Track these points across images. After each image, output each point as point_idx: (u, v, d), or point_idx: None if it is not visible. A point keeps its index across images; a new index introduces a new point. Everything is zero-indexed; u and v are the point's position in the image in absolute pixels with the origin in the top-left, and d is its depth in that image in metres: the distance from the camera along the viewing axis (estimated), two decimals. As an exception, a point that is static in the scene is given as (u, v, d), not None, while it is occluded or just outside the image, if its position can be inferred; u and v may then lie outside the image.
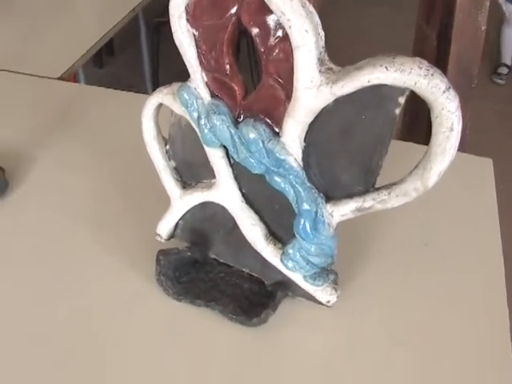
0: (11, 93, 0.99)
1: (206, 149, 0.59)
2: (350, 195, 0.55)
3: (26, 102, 0.96)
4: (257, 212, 0.61)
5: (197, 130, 0.58)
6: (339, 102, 0.51)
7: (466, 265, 0.69)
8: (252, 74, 2.16)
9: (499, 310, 0.64)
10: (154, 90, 0.61)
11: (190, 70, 0.57)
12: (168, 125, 0.62)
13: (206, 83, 0.56)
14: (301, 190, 0.55)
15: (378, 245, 0.70)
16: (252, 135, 0.55)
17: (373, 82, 0.48)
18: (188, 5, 0.54)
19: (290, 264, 0.59)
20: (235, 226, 0.62)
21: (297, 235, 0.57)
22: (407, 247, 0.70)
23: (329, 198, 0.56)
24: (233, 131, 0.56)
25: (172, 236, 0.67)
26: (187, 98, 0.57)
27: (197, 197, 0.63)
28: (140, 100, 0.63)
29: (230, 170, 0.59)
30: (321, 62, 0.50)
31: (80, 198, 0.77)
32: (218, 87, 0.56)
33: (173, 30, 0.55)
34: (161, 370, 0.58)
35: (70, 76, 1.47)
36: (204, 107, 0.57)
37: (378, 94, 0.49)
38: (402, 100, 0.50)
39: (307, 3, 0.50)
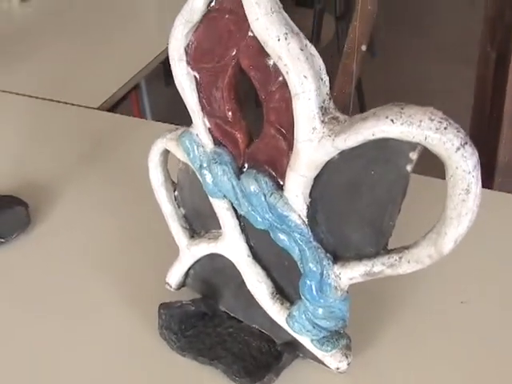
0: (47, 123, 0.97)
1: (211, 199, 0.55)
2: (360, 256, 0.50)
3: (61, 132, 0.94)
4: (265, 267, 0.56)
5: (200, 179, 0.54)
6: (344, 155, 0.46)
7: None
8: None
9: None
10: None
11: (191, 116, 0.53)
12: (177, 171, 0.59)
13: (209, 129, 0.53)
14: (306, 248, 0.50)
15: (402, 304, 0.64)
16: (253, 188, 0.50)
17: (378, 136, 0.43)
18: (188, 46, 0.50)
19: (296, 326, 0.54)
20: (244, 281, 0.58)
21: (302, 296, 0.52)
22: (438, 306, 0.64)
23: (338, 259, 0.51)
24: (235, 182, 0.52)
25: (183, 285, 0.64)
26: (188, 145, 0.54)
27: (203, 248, 0.59)
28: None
29: (236, 222, 0.55)
30: (324, 110, 0.46)
31: (101, 240, 0.74)
32: (221, 134, 0.52)
33: (173, 74, 0.52)
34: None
35: (133, 94, 1.47)
36: (206, 155, 0.53)
37: (387, 148, 0.44)
38: (413, 156, 0.44)
39: (308, 45, 0.45)
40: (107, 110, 1.03)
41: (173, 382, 0.59)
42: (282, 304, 0.56)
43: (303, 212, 0.50)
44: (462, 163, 0.42)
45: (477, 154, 0.43)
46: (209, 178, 0.53)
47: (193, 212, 0.60)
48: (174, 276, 0.63)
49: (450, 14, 3.02)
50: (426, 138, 0.42)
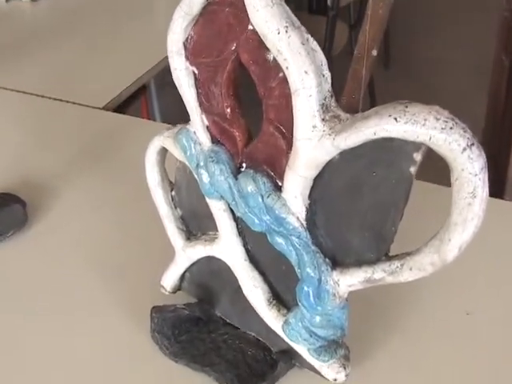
0: (51, 121, 0.96)
1: (207, 200, 0.53)
2: (359, 263, 0.47)
3: (64, 131, 0.93)
4: (262, 272, 0.54)
5: (197, 178, 0.53)
6: (345, 155, 0.44)
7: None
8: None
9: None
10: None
11: (189, 113, 0.51)
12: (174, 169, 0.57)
13: (207, 127, 0.51)
14: (303, 253, 0.48)
15: (405, 314, 0.61)
16: (250, 188, 0.48)
17: (380, 135, 0.41)
18: (187, 40, 0.49)
19: (292, 334, 0.52)
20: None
21: (299, 303, 0.50)
22: (442, 317, 0.61)
23: (337, 264, 0.48)
24: (232, 182, 0.50)
25: (179, 288, 0.62)
26: (185, 143, 0.52)
27: (199, 250, 0.57)
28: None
29: (233, 224, 0.53)
30: (325, 108, 0.44)
31: (97, 240, 0.73)
32: (219, 132, 0.50)
33: (171, 68, 0.50)
34: None
35: (142, 96, 1.45)
36: (203, 154, 0.51)
37: (389, 148, 0.42)
38: (417, 157, 0.42)
39: (310, 39, 0.43)
40: (113, 110, 1.01)
41: (165, 388, 0.57)
42: (278, 310, 0.53)
43: (302, 214, 0.48)
44: (468, 165, 0.40)
45: (484, 155, 0.41)
46: (205, 178, 0.51)
47: (190, 213, 0.58)
48: (169, 279, 0.61)
49: (465, 21, 2.99)
50: (430, 138, 0.40)
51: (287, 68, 0.43)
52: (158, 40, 1.26)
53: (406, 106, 0.40)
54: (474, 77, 2.37)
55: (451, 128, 0.39)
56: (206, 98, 0.50)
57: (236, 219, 0.53)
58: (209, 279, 0.59)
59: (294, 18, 0.44)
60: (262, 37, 0.43)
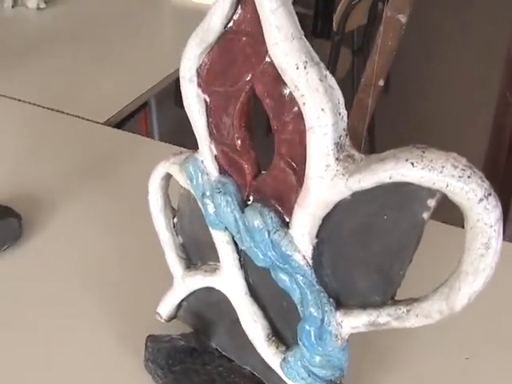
0: (50, 133, 0.95)
1: (211, 230, 0.52)
2: (364, 305, 0.46)
3: (63, 144, 0.92)
4: (262, 307, 0.53)
5: (201, 208, 0.51)
6: (358, 196, 0.43)
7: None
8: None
9: None
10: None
11: (198, 141, 0.50)
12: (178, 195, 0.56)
13: (215, 157, 0.50)
14: (307, 292, 0.47)
15: (402, 355, 0.60)
16: (257, 223, 0.47)
17: (395, 179, 0.40)
18: (200, 67, 0.48)
19: (290, 373, 0.50)
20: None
21: (299, 342, 0.49)
22: (441, 360, 0.60)
23: (340, 305, 0.47)
24: (237, 215, 0.48)
25: (174, 317, 0.60)
26: (192, 171, 0.50)
27: (198, 280, 0.55)
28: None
29: (235, 256, 0.52)
30: (339, 147, 0.43)
31: (92, 258, 0.72)
32: (228, 163, 0.49)
33: (183, 95, 0.49)
34: None
35: (142, 112, 1.44)
36: (209, 184, 0.50)
37: (403, 193, 0.41)
38: (432, 203, 0.41)
39: (328, 76, 0.42)
40: (113, 125, 1.00)
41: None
42: (277, 347, 0.52)
43: (308, 253, 0.46)
44: (484, 216, 0.39)
45: (500, 206, 0.40)
46: (211, 208, 0.50)
47: (191, 241, 0.57)
48: (166, 307, 0.59)
49: (470, 54, 3.00)
50: (447, 186, 0.39)
51: (304, 104, 0.42)
52: (163, 57, 1.28)
53: (423, 152, 0.40)
54: (474, 110, 2.38)
55: (469, 177, 0.38)
56: (217, 128, 0.49)
57: (239, 252, 0.52)
58: (206, 310, 0.58)
59: (314, 54, 0.43)
60: (279, 71, 0.42)
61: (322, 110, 0.41)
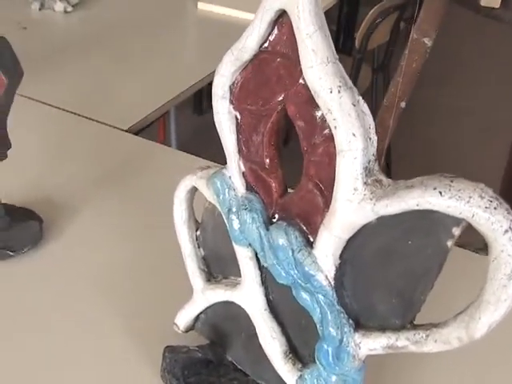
0: (73, 138, 0.96)
1: (234, 246, 0.52)
2: (383, 328, 0.47)
3: (84, 150, 0.93)
4: (280, 323, 0.53)
5: (226, 223, 0.52)
6: (383, 220, 0.43)
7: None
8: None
9: None
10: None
11: (227, 157, 0.51)
12: (202, 209, 0.57)
13: (243, 173, 0.50)
14: (328, 311, 0.48)
15: (414, 378, 0.61)
16: (281, 241, 0.48)
17: (422, 207, 0.40)
18: (233, 84, 0.48)
19: (306, 392, 0.51)
20: (257, 334, 0.55)
21: (317, 361, 0.49)
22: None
23: (359, 327, 0.48)
24: (263, 232, 0.49)
25: (191, 328, 0.61)
26: (219, 187, 0.51)
27: (219, 294, 0.56)
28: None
29: (257, 272, 0.53)
30: (368, 172, 0.43)
31: (110, 265, 0.72)
32: (255, 180, 0.50)
33: (214, 111, 0.50)
34: None
35: (161, 119, 1.45)
36: (236, 200, 0.51)
37: (429, 219, 0.41)
38: (456, 232, 0.41)
39: (360, 101, 0.43)
40: (135, 133, 1.01)
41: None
42: (293, 364, 0.53)
43: (331, 273, 0.47)
44: (509, 247, 0.39)
45: (524, 239, 0.40)
46: (236, 224, 0.51)
47: (213, 255, 0.58)
48: (184, 318, 0.60)
49: (486, 78, 3.00)
50: (473, 216, 0.39)
51: (335, 128, 0.42)
52: (186, 68, 1.29)
53: (452, 181, 0.40)
54: (492, 134, 2.38)
55: (495, 208, 0.39)
56: (246, 145, 0.50)
57: (261, 268, 0.53)
58: (224, 323, 0.59)
59: (347, 78, 0.43)
60: (313, 93, 0.43)
61: (354, 134, 0.42)
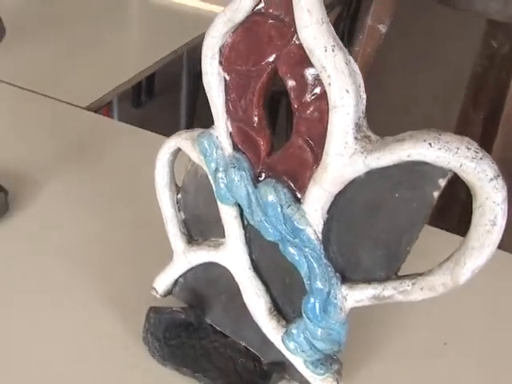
0: (32, 115, 0.95)
1: (220, 205, 0.54)
2: (368, 280, 0.49)
3: (46, 126, 0.92)
4: (264, 282, 0.55)
5: (212, 182, 0.53)
6: (372, 174, 0.45)
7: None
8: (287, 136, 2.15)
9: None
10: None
11: (214, 117, 0.52)
12: (184, 173, 0.58)
13: (230, 133, 0.52)
14: (315, 265, 0.49)
15: (391, 335, 0.63)
16: (271, 197, 0.49)
17: (413, 158, 0.43)
18: (223, 46, 0.50)
19: (292, 345, 0.53)
20: (238, 294, 0.56)
21: (304, 315, 0.51)
22: (424, 344, 0.64)
23: (345, 280, 0.50)
24: (250, 190, 0.51)
25: (169, 293, 0.62)
26: (207, 146, 0.52)
27: (201, 256, 0.57)
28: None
29: (242, 231, 0.54)
30: (358, 127, 0.45)
31: (80, 234, 0.72)
32: (242, 139, 0.51)
33: (203, 72, 0.51)
34: None
35: (104, 110, 1.45)
36: (223, 159, 0.52)
37: (417, 172, 0.44)
38: (442, 183, 0.44)
39: (352, 61, 0.45)
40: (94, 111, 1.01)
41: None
42: (278, 322, 0.54)
43: (319, 227, 0.49)
44: (493, 194, 0.42)
45: (506, 187, 0.43)
46: (223, 183, 0.52)
47: (193, 218, 0.58)
48: (163, 282, 0.61)
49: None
50: (460, 166, 0.42)
51: (329, 85, 0.44)
52: (149, 46, 1.28)
53: (440, 134, 0.43)
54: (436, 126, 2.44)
55: (481, 158, 0.42)
56: (234, 105, 0.51)
57: (245, 227, 0.54)
58: (203, 286, 0.60)
59: (338, 39, 0.45)
60: (307, 52, 0.45)
61: (347, 91, 0.44)
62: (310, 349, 0.52)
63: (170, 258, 0.60)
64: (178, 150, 0.56)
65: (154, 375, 0.57)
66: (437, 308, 0.65)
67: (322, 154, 0.47)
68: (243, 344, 0.58)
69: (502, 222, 0.43)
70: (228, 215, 0.53)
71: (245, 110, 0.50)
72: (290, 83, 0.47)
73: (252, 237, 0.54)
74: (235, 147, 0.52)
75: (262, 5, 0.47)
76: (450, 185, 0.47)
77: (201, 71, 0.51)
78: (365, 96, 0.46)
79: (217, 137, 0.52)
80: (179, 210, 0.59)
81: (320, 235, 0.49)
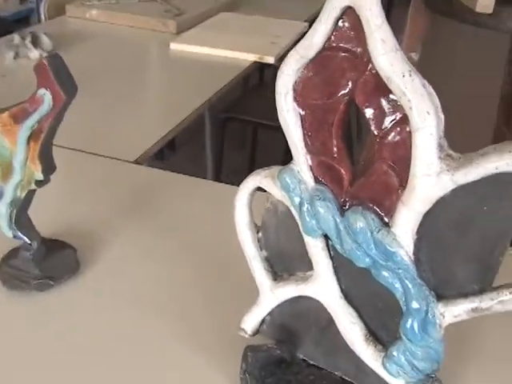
0: (86, 173, 0.98)
1: (306, 239, 0.55)
2: (463, 294, 0.50)
3: (101, 183, 0.94)
4: (356, 309, 0.56)
5: (297, 217, 0.54)
6: (458, 191, 0.47)
7: None
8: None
9: None
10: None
11: (293, 152, 0.53)
12: (262, 211, 0.59)
13: (310, 167, 0.53)
14: (410, 286, 0.50)
15: (488, 348, 0.64)
16: (360, 224, 0.50)
17: (501, 170, 0.44)
18: (296, 83, 0.51)
19: (394, 369, 0.53)
20: (329, 325, 0.57)
21: (403, 336, 0.52)
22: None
23: (439, 297, 0.51)
24: (338, 220, 0.52)
25: (257, 332, 0.62)
26: (289, 181, 0.54)
27: (290, 291, 0.58)
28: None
29: (330, 262, 0.55)
30: (441, 147, 0.47)
31: (154, 285, 0.74)
32: (323, 172, 0.53)
33: (278, 109, 0.53)
34: None
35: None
36: (307, 193, 0.53)
37: (503, 183, 0.45)
38: (529, 190, 0.45)
39: (427, 84, 0.47)
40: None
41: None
42: (375, 347, 0.55)
43: (410, 249, 0.50)
44: None
45: None
46: (309, 216, 0.53)
47: (276, 254, 0.60)
48: (252, 321, 0.61)
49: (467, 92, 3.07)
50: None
51: (411, 108, 0.46)
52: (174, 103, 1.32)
53: (521, 145, 0.44)
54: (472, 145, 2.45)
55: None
56: (311, 139, 0.52)
57: (332, 257, 0.55)
58: (291, 321, 0.60)
59: (411, 65, 0.47)
60: (385, 79, 0.46)
61: (428, 112, 0.45)
62: (411, 369, 0.52)
63: (249, 296, 0.61)
64: (255, 190, 0.58)
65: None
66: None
67: (406, 177, 0.48)
68: (339, 374, 0.59)
69: None
70: (315, 247, 0.54)
71: (323, 142, 0.52)
72: (369, 111, 0.49)
73: (339, 266, 0.55)
74: (316, 180, 0.53)
75: (331, 40, 0.49)
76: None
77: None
78: (443, 116, 0.47)
79: (298, 171, 0.54)
80: (261, 249, 0.60)
81: (412, 256, 0.50)
